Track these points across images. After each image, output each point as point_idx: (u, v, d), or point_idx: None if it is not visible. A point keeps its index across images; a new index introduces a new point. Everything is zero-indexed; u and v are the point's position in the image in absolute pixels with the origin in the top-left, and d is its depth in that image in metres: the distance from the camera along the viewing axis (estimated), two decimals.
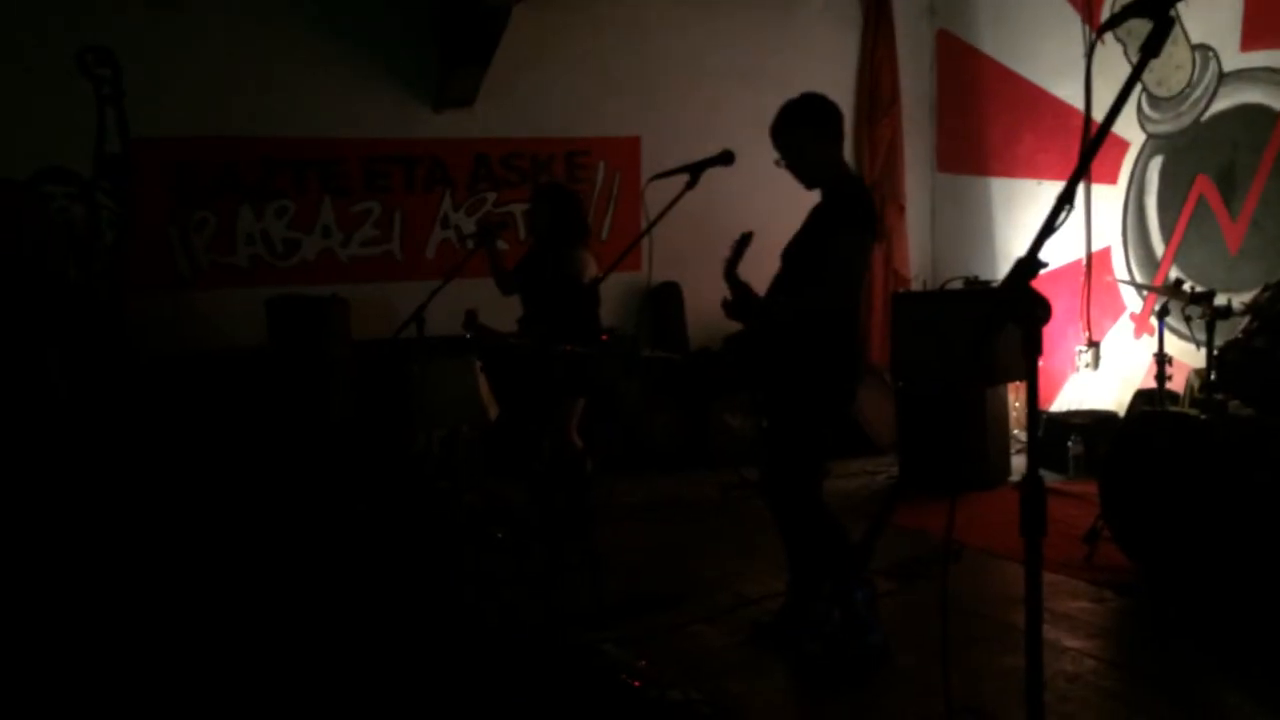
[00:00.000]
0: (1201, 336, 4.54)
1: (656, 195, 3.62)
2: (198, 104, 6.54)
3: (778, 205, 7.69)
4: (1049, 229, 1.64)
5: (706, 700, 3.37)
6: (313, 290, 6.51)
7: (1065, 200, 1.66)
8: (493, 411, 6.31)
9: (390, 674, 3.67)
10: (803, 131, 3.69)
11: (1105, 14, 6.84)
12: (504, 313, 5.20)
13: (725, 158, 3.73)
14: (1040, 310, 1.63)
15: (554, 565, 4.67)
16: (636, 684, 3.47)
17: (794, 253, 3.79)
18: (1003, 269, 7.71)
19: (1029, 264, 1.63)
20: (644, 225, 3.58)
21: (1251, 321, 4.21)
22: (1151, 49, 1.68)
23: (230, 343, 6.35)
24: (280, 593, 4.46)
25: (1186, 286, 4.83)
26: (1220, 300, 4.68)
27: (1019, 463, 6.65)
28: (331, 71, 6.85)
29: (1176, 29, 6.31)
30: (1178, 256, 6.40)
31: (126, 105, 5.45)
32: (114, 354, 5.62)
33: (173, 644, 3.91)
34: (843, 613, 3.70)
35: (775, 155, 3.73)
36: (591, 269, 4.93)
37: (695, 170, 3.73)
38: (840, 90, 8.11)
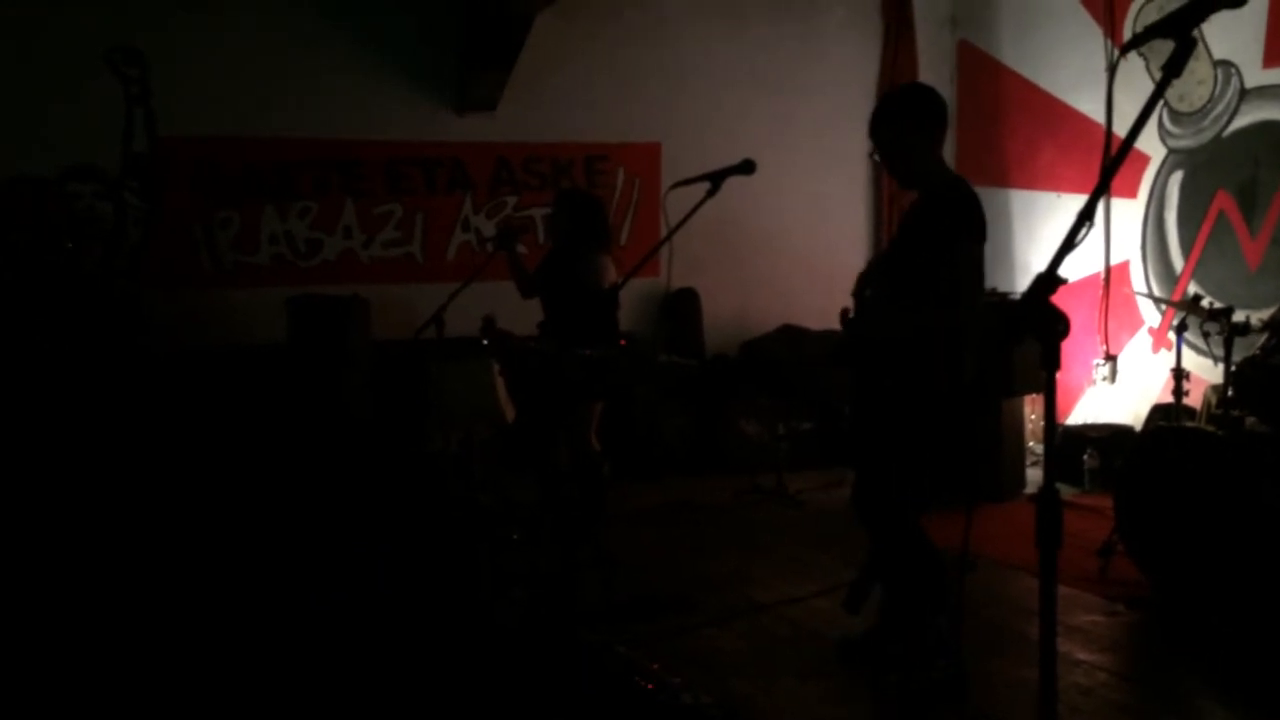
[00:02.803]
0: (1219, 352, 4.54)
1: (676, 202, 3.64)
2: (224, 104, 6.61)
3: (796, 214, 7.81)
4: (1069, 245, 1.66)
5: (717, 704, 3.39)
6: (334, 290, 6.56)
7: (1085, 217, 1.68)
8: (509, 413, 6.35)
9: (403, 671, 3.70)
10: (903, 125, 3.47)
11: (1127, 27, 6.85)
12: (524, 316, 5.23)
13: (746, 167, 3.72)
14: (1059, 325, 1.65)
15: (567, 566, 4.69)
16: (649, 686, 3.49)
17: (895, 261, 3.58)
18: (1021, 282, 7.70)
19: (1048, 279, 1.66)
20: (663, 232, 3.59)
21: (1269, 339, 4.22)
22: (1173, 69, 1.70)
23: (251, 340, 6.40)
24: (295, 588, 4.50)
25: (1205, 302, 4.83)
26: (1239, 317, 4.67)
27: (1034, 475, 6.64)
28: (356, 74, 6.90)
29: (1199, 44, 6.30)
30: (1197, 272, 6.39)
31: (154, 104, 5.49)
32: (133, 348, 5.67)
33: (183, 639, 3.95)
34: (922, 640, 3.56)
35: (869, 148, 3.58)
36: (611, 274, 4.95)
37: (716, 179, 3.72)
38: (860, 100, 8.11)
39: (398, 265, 7.14)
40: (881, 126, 3.55)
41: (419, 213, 7.17)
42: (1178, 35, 1.70)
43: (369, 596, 4.41)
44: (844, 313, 3.67)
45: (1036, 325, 1.65)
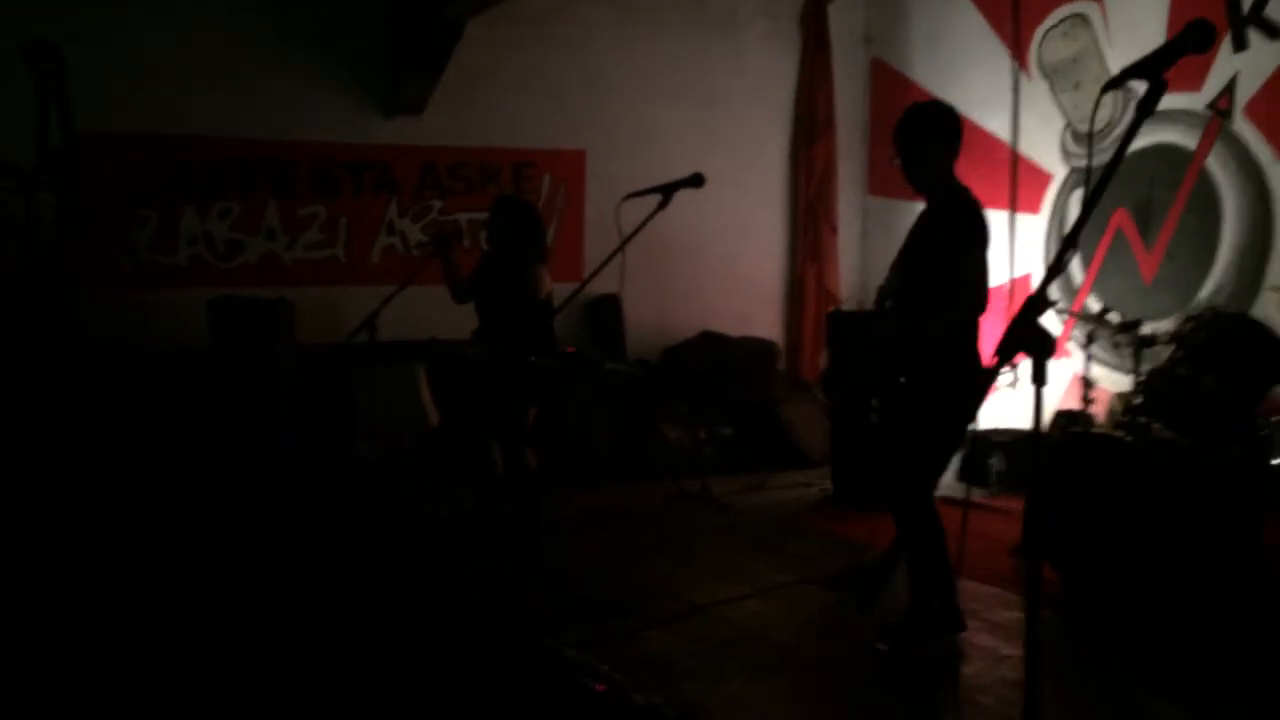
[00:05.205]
0: (1122, 362, 4.82)
1: (617, 213, 3.77)
2: (146, 101, 6.43)
3: (715, 222, 7.95)
4: (1056, 269, 1.81)
5: (670, 703, 3.47)
6: (255, 292, 6.45)
7: (1069, 244, 1.83)
8: (433, 418, 6.35)
9: (350, 678, 3.70)
10: (926, 136, 3.89)
11: (1032, 50, 7.18)
12: (461, 321, 5.24)
13: (695, 180, 3.86)
14: (1048, 344, 1.79)
15: (506, 572, 4.73)
16: (600, 688, 3.56)
17: (910, 263, 3.93)
18: None
19: (1038, 301, 1.79)
20: (599, 239, 3.68)
21: (1176, 350, 4.50)
22: (1147, 108, 1.87)
23: (171, 343, 6.25)
24: (229, 598, 4.43)
25: (1113, 316, 5.12)
26: (1143, 329, 4.96)
27: (944, 479, 6.90)
28: (284, 73, 6.78)
29: (1100, 68, 6.67)
30: (1096, 284, 6.73)
31: (72, 99, 5.33)
32: (49, 350, 5.50)
33: (105, 648, 3.87)
34: (912, 617, 3.86)
35: (891, 155, 3.93)
36: (548, 283, 5.01)
37: (667, 191, 3.86)
38: (778, 112, 8.35)
39: (321, 267, 7.04)
40: (907, 136, 3.93)
41: (343, 215, 7.09)
42: (1151, 77, 1.86)
43: (289, 603, 4.36)
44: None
45: (1029, 345, 1.78)
